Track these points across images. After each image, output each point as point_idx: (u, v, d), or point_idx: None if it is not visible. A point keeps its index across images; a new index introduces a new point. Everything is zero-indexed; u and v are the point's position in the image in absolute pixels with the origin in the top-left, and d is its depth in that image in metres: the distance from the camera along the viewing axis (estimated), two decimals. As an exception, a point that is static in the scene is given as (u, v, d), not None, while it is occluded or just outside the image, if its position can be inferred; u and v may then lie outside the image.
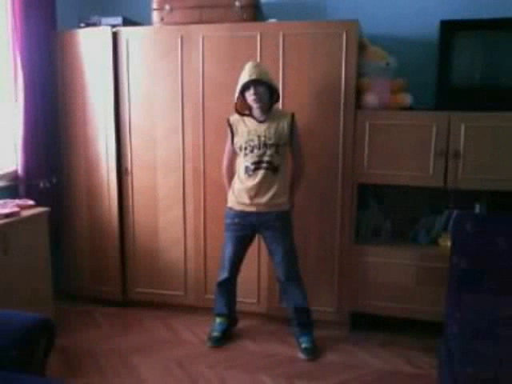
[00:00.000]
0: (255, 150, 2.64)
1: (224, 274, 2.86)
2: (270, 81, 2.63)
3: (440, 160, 2.77)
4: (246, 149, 2.66)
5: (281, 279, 2.80)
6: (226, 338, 2.91)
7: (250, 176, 2.67)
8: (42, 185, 3.13)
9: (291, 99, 2.88)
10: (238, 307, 3.02)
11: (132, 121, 3.17)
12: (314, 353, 2.75)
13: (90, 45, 3.14)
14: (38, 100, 3.12)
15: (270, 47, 2.87)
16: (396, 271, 2.90)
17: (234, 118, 2.74)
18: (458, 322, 2.05)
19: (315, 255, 3.00)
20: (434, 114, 2.79)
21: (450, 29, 2.82)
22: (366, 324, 3.09)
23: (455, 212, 2.91)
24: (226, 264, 2.83)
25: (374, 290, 2.95)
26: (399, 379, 2.56)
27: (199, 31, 2.96)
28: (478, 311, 2.14)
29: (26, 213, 2.76)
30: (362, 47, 2.87)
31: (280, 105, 2.83)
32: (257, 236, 2.86)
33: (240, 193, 2.71)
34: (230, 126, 2.74)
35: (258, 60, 2.85)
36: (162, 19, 3.08)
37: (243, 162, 2.68)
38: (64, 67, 3.22)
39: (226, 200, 2.82)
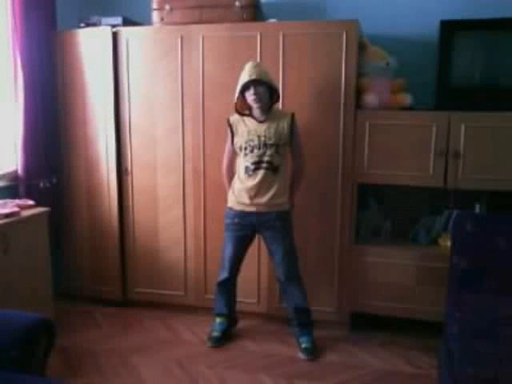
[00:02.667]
0: (255, 150, 2.64)
1: (224, 274, 2.86)
2: (269, 81, 2.63)
3: (440, 160, 2.77)
4: (245, 149, 2.66)
5: (281, 279, 2.80)
6: (226, 338, 2.91)
7: (250, 176, 2.67)
8: (42, 185, 3.13)
9: (291, 99, 2.88)
10: (238, 307, 3.02)
11: (132, 121, 3.17)
12: (313, 353, 2.75)
13: (90, 45, 3.14)
14: (38, 100, 3.12)
15: (270, 47, 2.87)
16: (396, 271, 2.90)
17: (234, 117, 2.74)
18: (458, 322, 2.05)
19: (315, 255, 3.00)
20: (434, 113, 2.79)
21: (450, 29, 2.82)
22: (366, 324, 3.09)
23: (455, 212, 2.91)
24: (226, 264, 2.83)
25: (373, 290, 2.95)
26: (399, 379, 2.56)
27: (199, 31, 2.96)
28: (478, 311, 2.14)
29: (25, 213, 2.76)
30: (362, 47, 2.87)
31: (280, 105, 2.84)
32: (257, 236, 2.86)
33: (240, 193, 2.71)
34: (230, 126, 2.74)
35: (258, 60, 2.85)
36: (162, 19, 3.08)
37: (243, 162, 2.68)
38: (64, 67, 3.22)
39: (226, 200, 2.81)
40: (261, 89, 2.60)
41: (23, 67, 3.00)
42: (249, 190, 2.67)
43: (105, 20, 3.13)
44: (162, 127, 3.12)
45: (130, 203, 3.25)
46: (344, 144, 2.87)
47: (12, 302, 2.55)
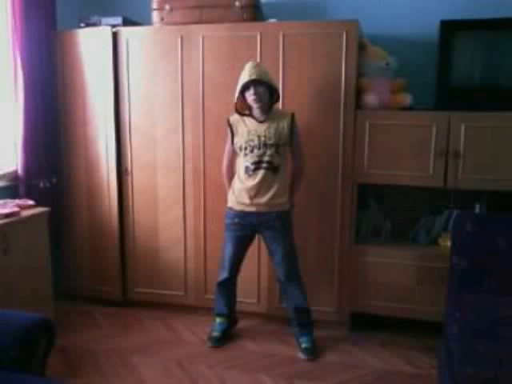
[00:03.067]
0: (255, 150, 2.64)
1: (224, 274, 2.86)
2: (269, 81, 2.63)
3: (440, 160, 2.77)
4: (245, 149, 2.66)
5: (281, 279, 2.80)
6: (226, 338, 2.91)
7: (250, 176, 2.67)
8: (42, 185, 3.13)
9: (291, 99, 2.88)
10: (238, 307, 3.02)
11: (132, 121, 3.17)
12: (313, 353, 2.75)
13: (90, 45, 3.14)
14: (38, 100, 3.12)
15: (270, 47, 2.87)
16: (396, 271, 2.90)
17: (234, 117, 2.74)
18: (458, 322, 2.05)
19: (315, 255, 3.00)
20: (434, 113, 2.79)
21: (450, 29, 2.82)
22: (366, 324, 3.09)
23: (455, 212, 2.91)
24: (226, 264, 2.83)
25: (374, 290, 2.95)
26: (399, 379, 2.56)
27: (199, 31, 2.96)
28: (478, 311, 2.14)
29: (25, 213, 2.76)
30: (362, 47, 2.87)
31: (280, 105, 2.83)
32: (257, 236, 2.86)
33: (240, 193, 2.71)
34: (230, 126, 2.74)
35: (258, 60, 2.85)
36: (162, 19, 3.08)
37: (243, 162, 2.68)
38: (64, 67, 3.22)
39: (226, 200, 2.81)
40: (261, 89, 2.60)
41: (23, 67, 3.00)
42: (249, 190, 2.67)
43: (105, 20, 3.13)
44: (162, 127, 3.12)
45: (130, 203, 3.25)
46: (344, 144, 2.87)
47: (12, 302, 2.55)
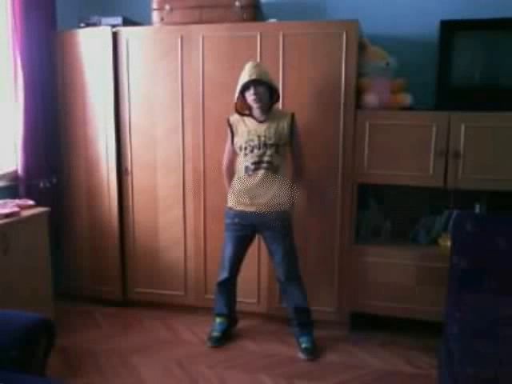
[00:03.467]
0: (255, 150, 2.64)
1: (224, 274, 2.86)
2: (269, 81, 2.63)
3: (440, 160, 2.77)
4: (246, 149, 2.66)
5: (281, 279, 2.80)
6: (226, 338, 2.91)
7: (250, 176, 2.67)
8: (42, 185, 3.13)
9: (291, 99, 2.88)
10: (238, 307, 3.02)
11: (132, 121, 3.17)
12: (313, 353, 2.75)
13: (90, 45, 3.14)
14: (38, 100, 3.12)
15: (270, 47, 2.87)
16: (396, 271, 2.90)
17: (234, 117, 2.74)
18: (458, 322, 2.05)
19: (315, 255, 3.00)
20: (434, 113, 2.79)
21: (450, 29, 2.82)
22: (366, 324, 3.09)
23: (455, 212, 2.91)
24: (226, 264, 2.83)
25: (373, 290, 2.95)
26: (399, 379, 2.56)
27: (199, 31, 2.96)
28: (478, 311, 2.14)
29: (25, 213, 2.76)
30: (362, 47, 2.87)
31: (280, 105, 2.84)
32: (257, 236, 2.86)
33: (240, 193, 2.71)
34: (230, 126, 2.74)
35: (258, 60, 2.85)
36: (162, 19, 3.08)
37: (243, 161, 2.68)
38: (64, 67, 3.22)
39: (226, 200, 2.82)
40: (261, 89, 2.60)
41: (23, 67, 3.00)
42: (249, 190, 2.67)
43: (105, 20, 3.13)
44: (162, 127, 3.12)
45: (130, 203, 3.25)
46: (344, 144, 2.87)
47: (12, 302, 2.55)
